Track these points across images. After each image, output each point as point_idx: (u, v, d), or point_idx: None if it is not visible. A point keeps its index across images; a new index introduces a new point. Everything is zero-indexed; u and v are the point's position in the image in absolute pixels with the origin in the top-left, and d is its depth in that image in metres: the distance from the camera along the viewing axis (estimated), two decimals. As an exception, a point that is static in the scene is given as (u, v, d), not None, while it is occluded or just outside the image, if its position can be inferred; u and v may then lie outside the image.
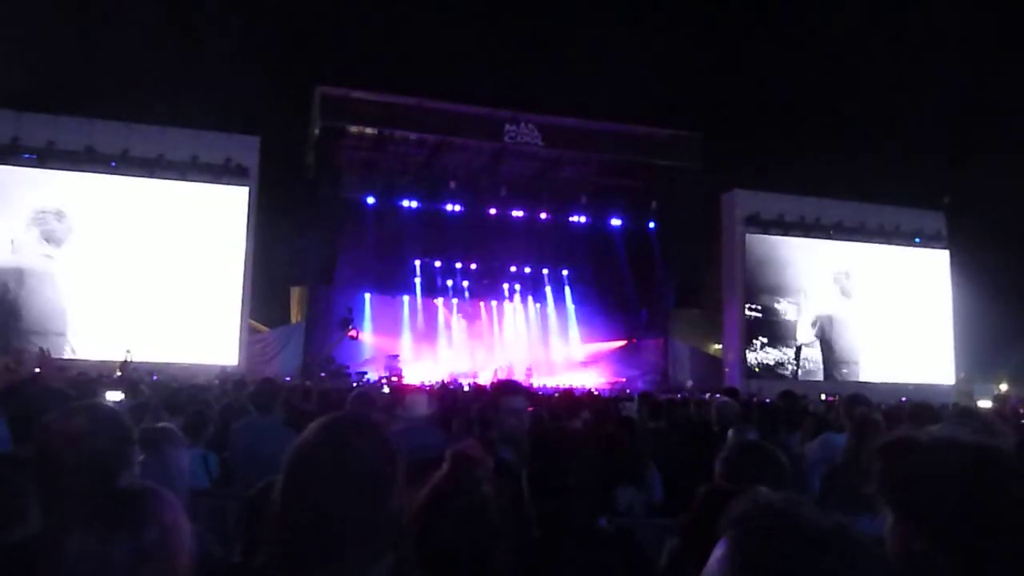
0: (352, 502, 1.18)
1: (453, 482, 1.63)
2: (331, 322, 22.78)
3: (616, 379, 24.18)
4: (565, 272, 26.84)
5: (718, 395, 8.51)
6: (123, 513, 1.10)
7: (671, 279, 24.12)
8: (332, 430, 1.28)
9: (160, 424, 3.23)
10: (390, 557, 1.23)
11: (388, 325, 24.88)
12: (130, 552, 1.04)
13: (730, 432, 4.44)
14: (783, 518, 0.94)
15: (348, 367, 21.91)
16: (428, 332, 25.72)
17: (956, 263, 26.55)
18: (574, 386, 22.30)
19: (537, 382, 23.58)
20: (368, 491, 1.20)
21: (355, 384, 18.52)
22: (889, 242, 25.90)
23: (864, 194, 25.79)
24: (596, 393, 14.37)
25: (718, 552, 0.96)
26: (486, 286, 26.58)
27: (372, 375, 21.79)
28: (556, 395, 12.08)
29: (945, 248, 26.53)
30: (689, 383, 22.73)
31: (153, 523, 1.10)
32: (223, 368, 17.95)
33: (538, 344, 26.66)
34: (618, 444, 3.84)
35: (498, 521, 1.58)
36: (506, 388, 3.32)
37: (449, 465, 1.69)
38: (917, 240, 26.15)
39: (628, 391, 18.06)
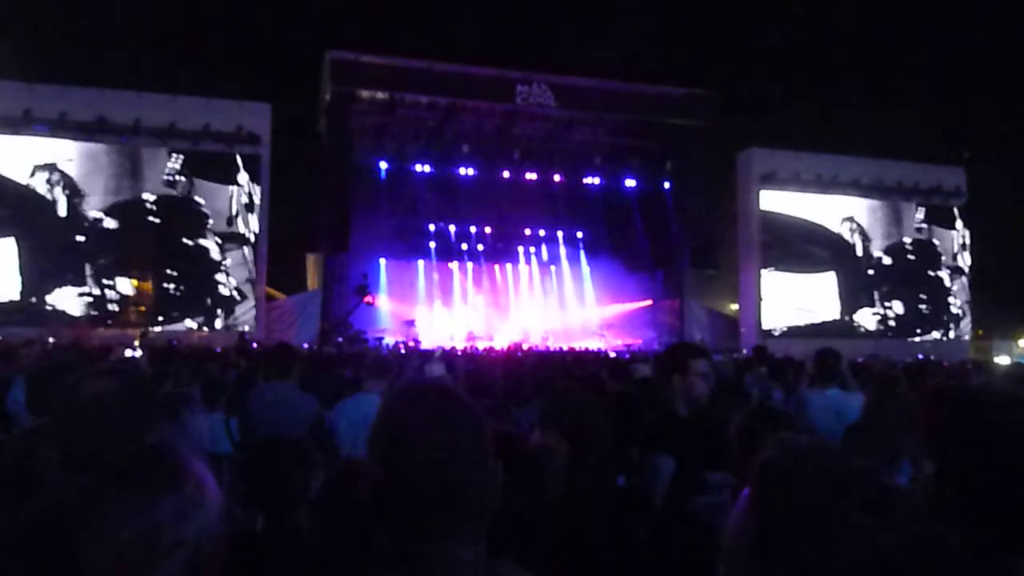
0: (466, 473, 1.17)
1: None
2: (347, 288, 22.79)
3: (633, 341, 24.16)
4: (580, 234, 26.72)
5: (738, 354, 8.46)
6: (160, 471, 1.06)
7: (686, 240, 23.91)
8: (428, 399, 1.24)
9: (180, 390, 3.23)
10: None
11: (403, 291, 24.93)
12: (173, 510, 1.01)
13: (754, 391, 4.40)
14: (807, 461, 0.95)
15: (365, 332, 21.95)
16: (444, 297, 25.80)
17: (974, 219, 26.17)
18: (590, 348, 22.58)
19: (553, 345, 23.71)
20: (477, 461, 1.19)
21: (372, 348, 18.70)
22: (907, 199, 25.55)
23: (881, 150, 25.38)
24: (610, 355, 14.41)
25: (744, 500, 0.98)
26: (500, 250, 26.58)
27: (389, 340, 22.00)
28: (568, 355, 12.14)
29: (963, 203, 26.13)
30: (699, 338, 22.76)
31: (189, 480, 1.07)
32: (240, 335, 18.09)
33: (554, 307, 26.72)
34: (633, 404, 3.78)
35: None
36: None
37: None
38: (935, 197, 25.76)
39: (644, 353, 18.06)
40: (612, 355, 14.73)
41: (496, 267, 27.11)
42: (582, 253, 26.77)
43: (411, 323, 23.45)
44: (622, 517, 2.04)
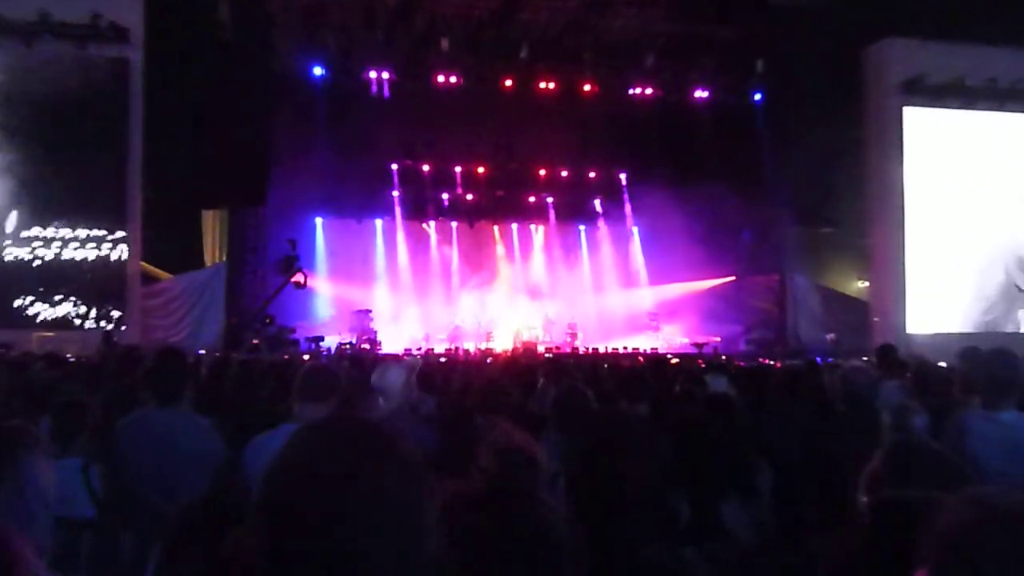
0: (381, 544, 1.23)
1: (497, 501, 1.65)
2: (265, 263, 22.95)
3: (707, 338, 24.29)
4: (623, 176, 26.73)
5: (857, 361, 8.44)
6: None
7: (788, 183, 23.79)
8: (336, 441, 1.31)
9: (11, 423, 3.22)
10: None
11: (353, 265, 25.17)
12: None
13: (884, 415, 4.43)
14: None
15: (295, 329, 22.25)
16: (415, 274, 25.99)
17: None
18: (638, 350, 22.43)
19: (583, 345, 23.74)
20: (399, 527, 1.25)
21: (307, 354, 18.86)
22: None
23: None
24: (667, 358, 14.47)
25: None
26: (502, 201, 26.71)
27: (331, 341, 22.14)
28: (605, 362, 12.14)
29: None
30: (830, 337, 22.77)
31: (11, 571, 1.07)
32: (105, 335, 18.10)
33: (583, 287, 26.85)
34: (703, 435, 3.82)
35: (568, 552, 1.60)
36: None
37: (493, 463, 1.69)
38: None
39: (724, 356, 18.16)
40: (671, 359, 14.75)
41: (495, 228, 27.19)
42: (626, 204, 26.79)
43: (365, 314, 23.62)
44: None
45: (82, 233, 19.83)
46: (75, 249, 19.79)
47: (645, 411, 5.53)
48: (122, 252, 20.04)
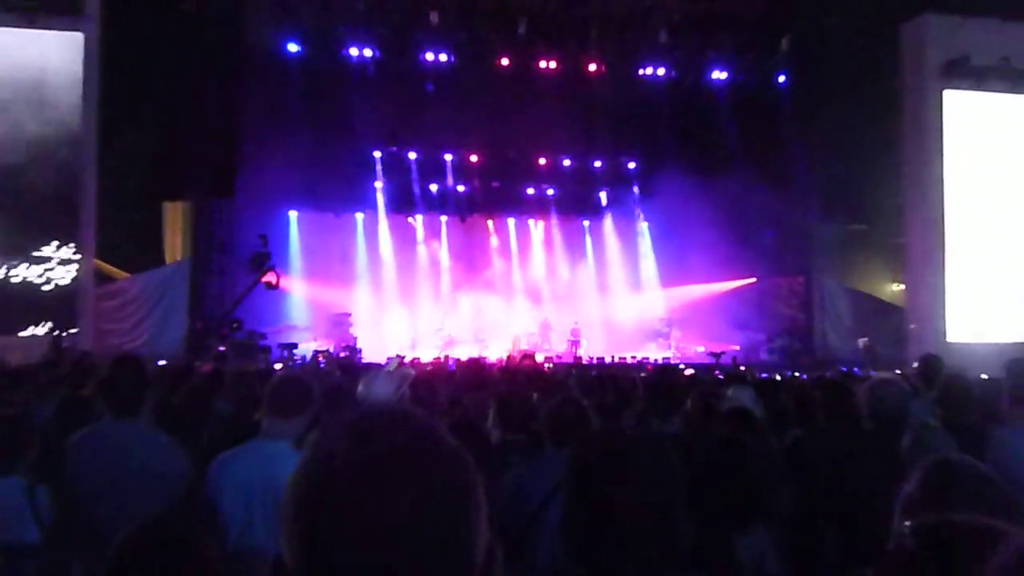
0: (429, 556, 1.22)
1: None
2: (234, 261, 22.96)
3: (725, 347, 24.27)
4: (632, 165, 26.79)
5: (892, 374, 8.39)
6: None
7: (815, 175, 23.80)
8: (378, 442, 1.28)
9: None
10: None
11: (331, 264, 25.22)
12: None
13: (906, 440, 4.42)
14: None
15: (265, 335, 22.22)
16: (400, 274, 26.04)
17: None
18: (647, 359, 22.38)
19: (587, 354, 23.71)
20: (451, 536, 1.25)
21: (278, 363, 18.79)
22: None
23: None
24: (680, 369, 14.47)
25: None
26: (497, 193, 26.79)
27: (307, 348, 22.16)
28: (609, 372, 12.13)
29: None
30: (862, 341, 22.78)
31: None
32: (53, 339, 18.08)
33: (588, 290, 26.93)
34: (721, 456, 3.82)
35: None
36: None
37: None
38: None
39: (744, 366, 18.11)
40: (685, 369, 14.81)
41: (489, 223, 27.20)
42: (635, 197, 26.92)
43: (344, 319, 23.69)
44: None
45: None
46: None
47: (676, 428, 5.55)
48: (72, 270, 19.95)
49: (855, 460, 4.53)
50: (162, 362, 17.25)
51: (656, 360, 22.34)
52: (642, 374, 11.37)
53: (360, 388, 6.15)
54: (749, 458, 3.48)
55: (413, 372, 7.46)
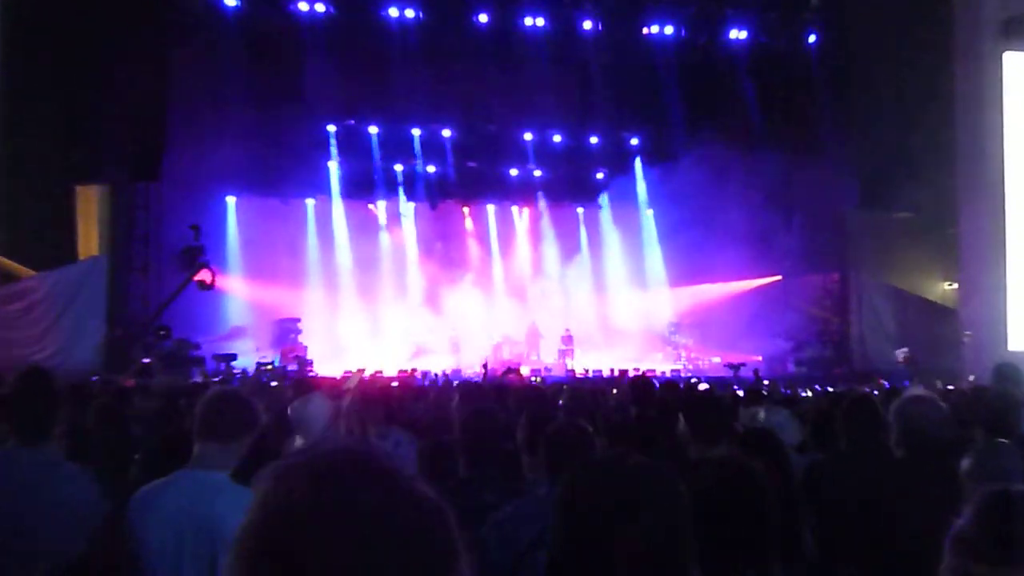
0: None
1: None
2: (161, 257, 22.91)
3: (744, 358, 24.18)
4: (635, 142, 26.90)
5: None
6: None
7: (852, 152, 23.82)
8: (346, 492, 1.31)
9: None
10: None
11: (277, 259, 25.04)
12: None
13: (964, 461, 4.42)
14: None
15: (199, 345, 22.21)
16: (359, 271, 25.96)
17: None
18: (653, 371, 22.22)
19: (581, 363, 23.70)
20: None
21: (214, 378, 18.62)
22: None
23: None
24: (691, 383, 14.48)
25: None
26: (474, 175, 26.79)
27: (248, 359, 22.16)
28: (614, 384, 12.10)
29: None
30: (901, 353, 22.83)
31: None
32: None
33: (582, 290, 27.01)
34: (728, 489, 3.83)
35: None
36: None
37: None
38: None
39: (767, 380, 18.16)
40: (699, 384, 14.82)
41: (465, 210, 27.18)
42: (639, 178, 26.91)
43: (292, 325, 23.78)
44: None
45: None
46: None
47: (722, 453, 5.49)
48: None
49: (883, 492, 4.57)
50: (76, 377, 17.22)
51: (664, 373, 22.26)
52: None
53: (293, 410, 6.11)
54: (758, 487, 3.34)
55: (356, 387, 7.39)
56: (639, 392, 8.17)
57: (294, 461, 1.38)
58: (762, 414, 6.97)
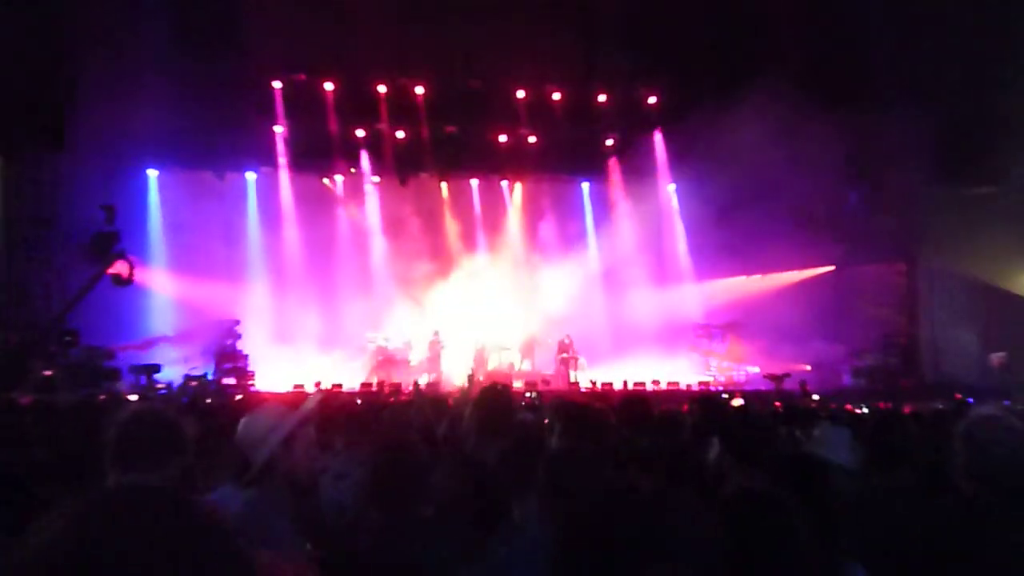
0: None
1: None
2: (66, 244, 22.89)
3: (789, 366, 24.21)
4: (653, 100, 27.09)
5: None
6: None
7: (919, 108, 23.43)
8: (130, 521, 1.49)
9: None
10: None
11: (211, 247, 25.10)
12: None
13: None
14: None
15: (114, 353, 22.25)
16: (311, 261, 26.09)
17: None
18: (678, 384, 22.19)
19: (586, 375, 23.57)
20: None
21: (131, 394, 18.63)
22: None
23: None
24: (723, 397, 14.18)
25: None
26: (453, 142, 26.78)
27: (174, 371, 22.16)
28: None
29: None
30: (996, 357, 22.45)
31: None
32: None
33: (587, 284, 26.94)
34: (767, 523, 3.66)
35: None
36: None
37: None
38: None
39: (817, 395, 18.07)
40: (733, 399, 14.74)
41: (443, 185, 27.61)
42: (658, 146, 26.74)
43: (230, 328, 23.83)
44: None
45: None
46: None
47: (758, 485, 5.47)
48: None
49: (947, 537, 4.58)
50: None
51: (690, 386, 22.20)
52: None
53: (239, 430, 5.84)
54: (788, 525, 3.47)
55: (314, 405, 7.10)
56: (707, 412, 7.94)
57: (89, 499, 1.65)
58: (817, 431, 7.33)
